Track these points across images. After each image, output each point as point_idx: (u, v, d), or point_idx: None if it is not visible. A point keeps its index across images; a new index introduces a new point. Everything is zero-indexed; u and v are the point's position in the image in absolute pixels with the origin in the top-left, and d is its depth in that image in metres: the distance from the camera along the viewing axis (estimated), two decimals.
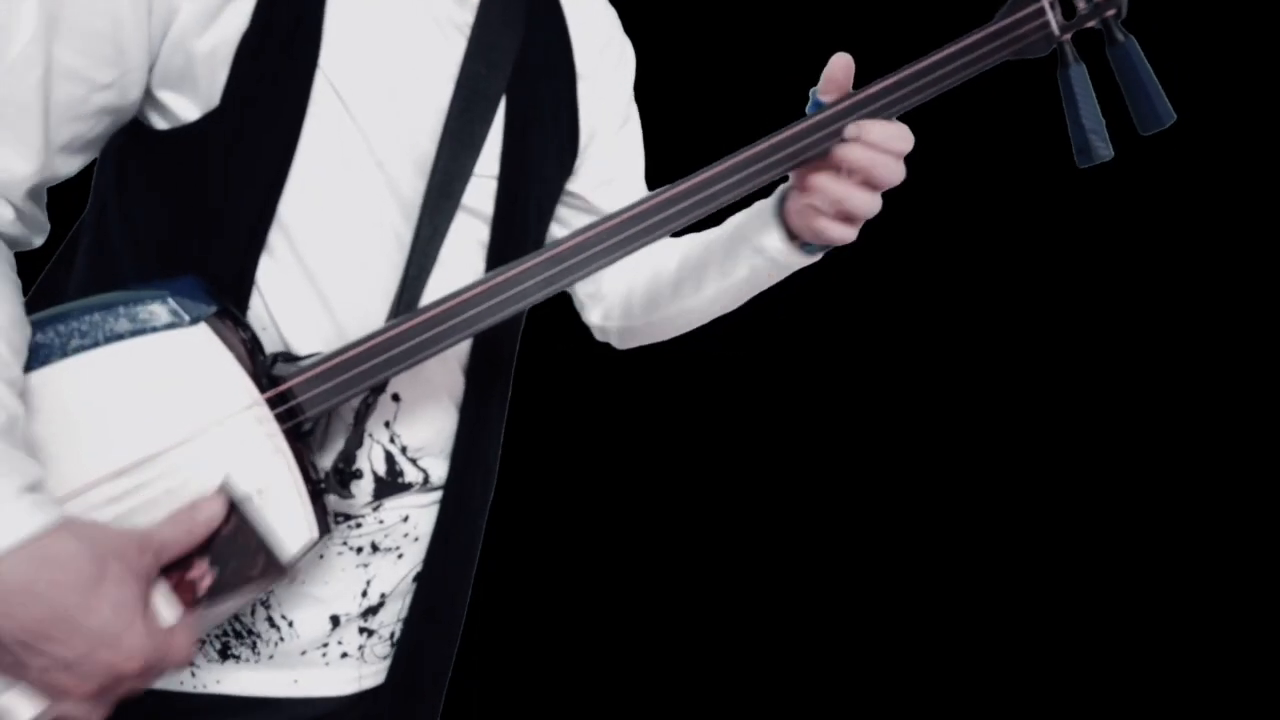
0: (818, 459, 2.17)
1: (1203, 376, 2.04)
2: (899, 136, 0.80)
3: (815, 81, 0.84)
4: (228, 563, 0.71)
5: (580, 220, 1.06)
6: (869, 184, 0.80)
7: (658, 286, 1.03)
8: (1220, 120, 1.93)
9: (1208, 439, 2.04)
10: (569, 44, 0.99)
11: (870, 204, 0.81)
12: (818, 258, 0.91)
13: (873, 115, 0.81)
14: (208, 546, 0.71)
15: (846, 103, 0.81)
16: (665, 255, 1.04)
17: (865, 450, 2.16)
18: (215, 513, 0.70)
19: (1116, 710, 2.05)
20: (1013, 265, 2.07)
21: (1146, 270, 2.04)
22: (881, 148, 0.79)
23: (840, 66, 0.81)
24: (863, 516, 2.16)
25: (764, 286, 0.96)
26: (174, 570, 0.69)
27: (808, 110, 0.84)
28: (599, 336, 1.16)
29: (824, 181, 0.81)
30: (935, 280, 2.09)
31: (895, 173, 0.80)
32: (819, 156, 0.82)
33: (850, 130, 0.80)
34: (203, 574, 0.70)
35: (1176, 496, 2.05)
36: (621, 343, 1.14)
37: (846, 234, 0.83)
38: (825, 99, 0.82)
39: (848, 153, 0.80)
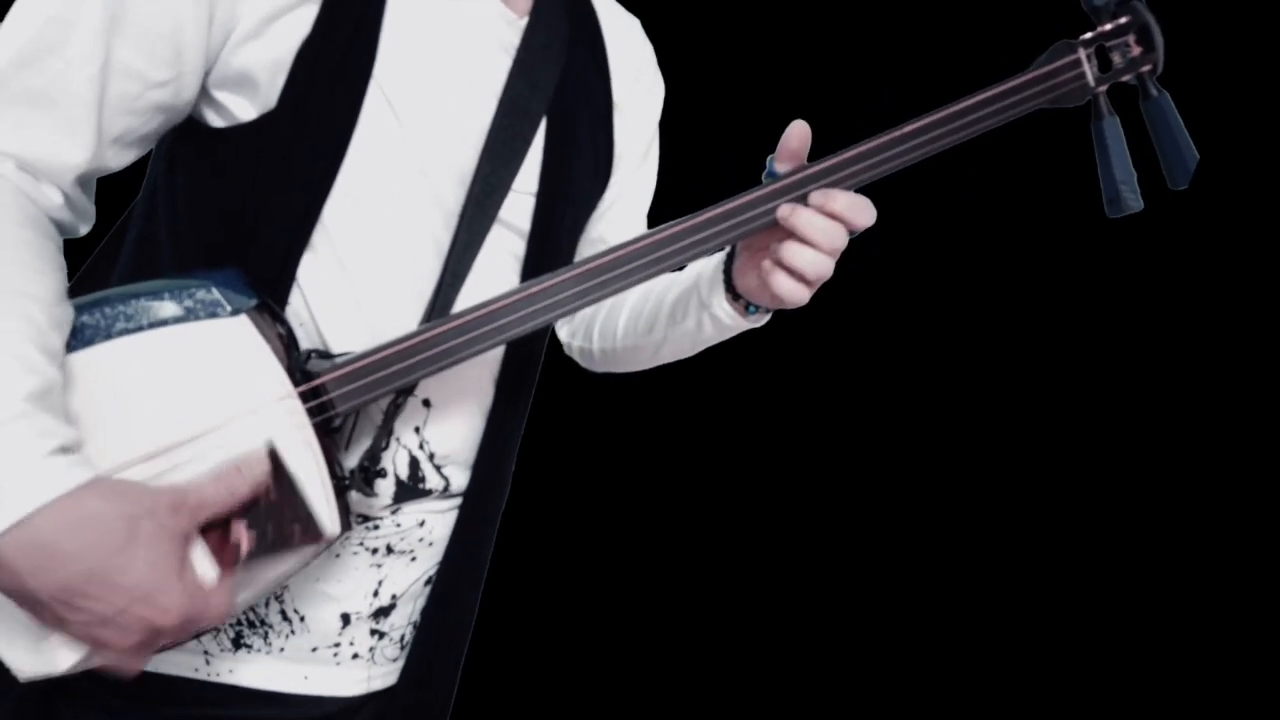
0: (832, 472, 2.19)
1: (1196, 389, 2.07)
2: (860, 208, 0.81)
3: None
4: (267, 527, 0.72)
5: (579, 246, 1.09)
6: (819, 248, 0.81)
7: (614, 322, 1.07)
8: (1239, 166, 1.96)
9: (1202, 447, 2.06)
10: (608, 73, 1.02)
11: (819, 264, 0.81)
12: (762, 321, 0.93)
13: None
14: (248, 510, 0.72)
15: (803, 174, 0.82)
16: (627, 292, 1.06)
17: (890, 464, 2.18)
18: (260, 474, 0.71)
19: (1117, 710, 2.05)
20: (1015, 283, 2.10)
21: (1149, 292, 2.08)
22: (841, 218, 0.80)
23: (797, 135, 0.83)
24: (890, 529, 2.18)
25: (711, 343, 0.99)
26: (215, 530, 0.70)
27: (763, 178, 0.85)
28: (567, 352, 1.19)
29: (775, 242, 0.82)
30: (945, 297, 2.12)
31: (838, 240, 0.81)
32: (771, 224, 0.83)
33: (814, 198, 0.81)
34: (241, 537, 0.71)
35: (1174, 502, 2.07)
36: (584, 363, 1.17)
37: (797, 292, 0.83)
38: (781, 169, 0.84)
39: (796, 218, 0.81)
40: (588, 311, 1.12)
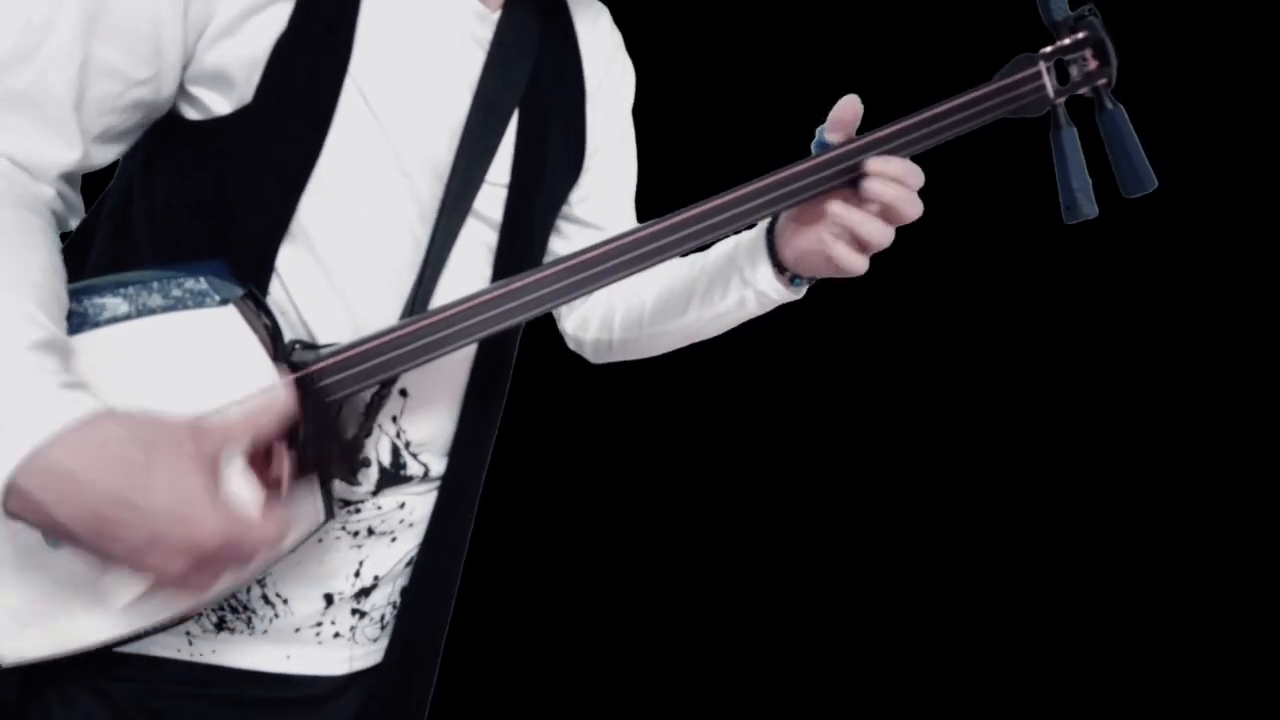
0: (808, 453, 2.22)
1: (1192, 392, 2.13)
2: (915, 173, 0.85)
3: (812, 117, 0.90)
4: (307, 446, 0.74)
5: (568, 229, 1.11)
6: (887, 217, 0.85)
7: (639, 307, 1.09)
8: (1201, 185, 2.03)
9: (1199, 448, 2.11)
10: (579, 63, 1.05)
11: (885, 234, 0.85)
12: (802, 293, 0.96)
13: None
14: (289, 436, 0.74)
15: (856, 144, 0.86)
16: (649, 278, 1.07)
17: (848, 451, 2.21)
18: (284, 402, 0.72)
19: (1116, 710, 2.09)
20: (1004, 286, 2.15)
21: (1126, 296, 2.14)
22: (903, 182, 0.84)
23: (849, 108, 0.86)
24: (842, 518, 2.21)
25: (745, 319, 1.01)
26: (260, 457, 0.72)
27: (813, 148, 0.89)
28: (571, 346, 1.20)
29: (840, 209, 0.85)
30: (935, 294, 2.17)
31: (914, 207, 0.85)
32: (825, 192, 0.87)
33: (873, 164, 0.84)
34: (283, 458, 0.73)
35: (1173, 503, 2.12)
36: (595, 356, 1.18)
37: (859, 261, 0.86)
38: (832, 139, 0.87)
39: (872, 186, 0.84)
40: (599, 304, 1.14)
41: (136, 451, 0.64)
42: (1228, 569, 2.09)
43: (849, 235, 0.86)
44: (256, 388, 0.76)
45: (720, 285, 0.99)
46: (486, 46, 0.93)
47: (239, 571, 0.70)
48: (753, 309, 0.99)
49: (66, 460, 0.61)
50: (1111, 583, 2.14)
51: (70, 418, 0.62)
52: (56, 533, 0.64)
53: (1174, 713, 2.05)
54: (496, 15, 0.94)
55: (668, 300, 1.05)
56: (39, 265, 0.69)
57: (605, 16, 1.11)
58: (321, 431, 0.75)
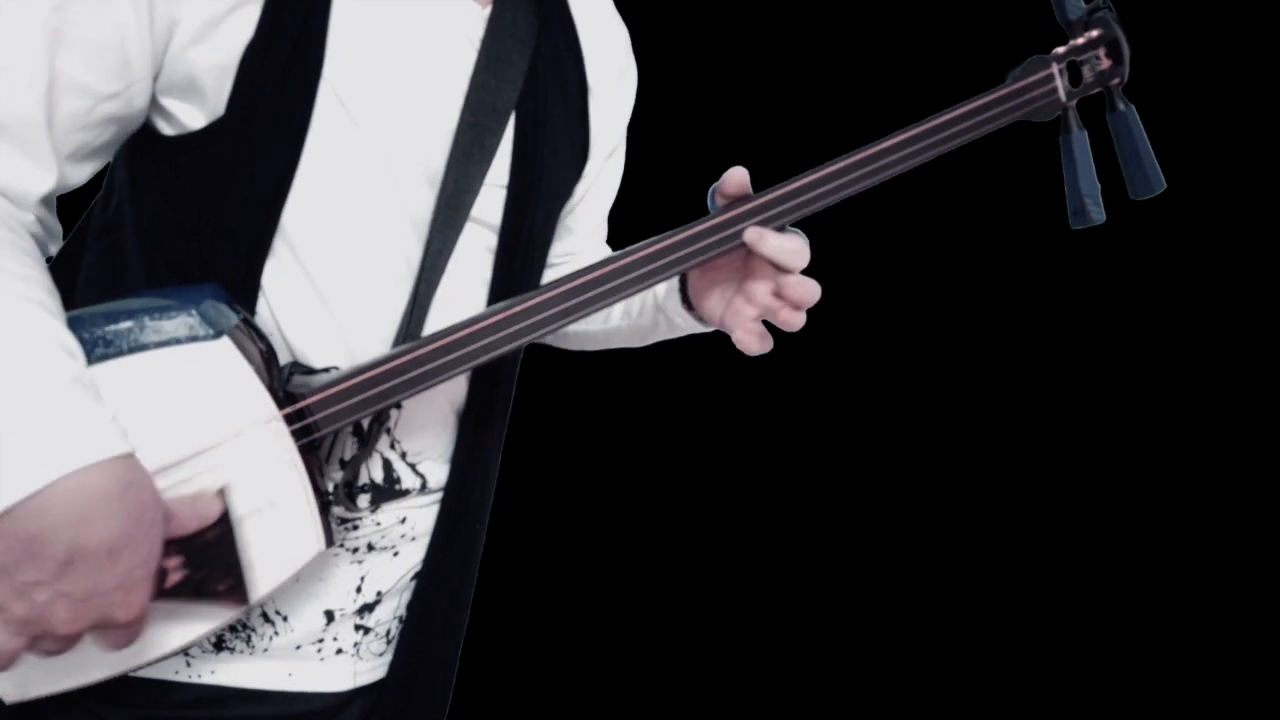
0: (816, 463, 2.24)
1: (1177, 391, 2.16)
2: (795, 251, 0.83)
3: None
4: (198, 568, 0.72)
5: None
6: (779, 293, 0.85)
7: None
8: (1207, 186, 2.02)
9: (1213, 457, 2.15)
10: (581, 58, 0.99)
11: (793, 318, 0.86)
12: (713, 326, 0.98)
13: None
14: (188, 545, 0.71)
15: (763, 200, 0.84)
16: None
17: (860, 455, 2.23)
18: (210, 512, 0.71)
19: (1116, 710, 2.14)
20: (1007, 284, 2.14)
21: (1130, 297, 2.15)
22: (777, 260, 0.83)
23: (735, 182, 0.85)
24: (857, 522, 2.24)
25: (665, 338, 1.06)
26: None
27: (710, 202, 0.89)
28: None
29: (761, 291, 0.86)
30: (938, 298, 2.15)
31: (803, 291, 0.84)
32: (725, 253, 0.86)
33: (749, 235, 0.83)
34: (175, 567, 0.70)
35: (1172, 502, 2.16)
36: None
37: (758, 344, 0.87)
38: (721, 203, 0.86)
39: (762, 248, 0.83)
40: None
41: (152, 502, 0.65)
42: (1228, 569, 2.12)
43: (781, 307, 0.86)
44: (255, 422, 0.74)
45: (638, 304, 1.03)
46: (478, 44, 0.88)
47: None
48: (665, 332, 1.04)
49: (106, 485, 0.62)
50: (1111, 583, 2.17)
51: (126, 447, 0.64)
52: (26, 548, 0.60)
53: (1174, 713, 2.10)
54: (488, 10, 0.89)
55: None
56: (42, 281, 0.69)
57: (608, 9, 1.05)
58: (216, 555, 0.72)
